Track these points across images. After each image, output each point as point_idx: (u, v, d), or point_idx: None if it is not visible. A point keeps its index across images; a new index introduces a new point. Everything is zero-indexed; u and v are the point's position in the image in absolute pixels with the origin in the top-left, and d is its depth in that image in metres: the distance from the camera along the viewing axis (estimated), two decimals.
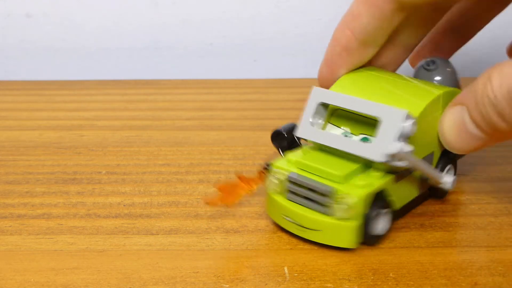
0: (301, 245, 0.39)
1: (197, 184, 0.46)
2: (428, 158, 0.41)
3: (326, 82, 0.43)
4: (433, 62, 0.44)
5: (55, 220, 0.41)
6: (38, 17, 0.66)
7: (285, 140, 0.43)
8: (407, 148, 0.37)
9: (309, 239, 0.39)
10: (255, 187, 0.41)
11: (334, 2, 0.67)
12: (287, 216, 0.39)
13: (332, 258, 0.38)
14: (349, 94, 0.40)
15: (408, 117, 0.38)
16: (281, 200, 0.40)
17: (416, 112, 0.39)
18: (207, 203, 0.39)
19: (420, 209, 0.43)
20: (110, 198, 0.44)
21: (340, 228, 0.38)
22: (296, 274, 0.37)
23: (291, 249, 0.39)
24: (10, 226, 0.41)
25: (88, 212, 0.42)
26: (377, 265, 0.37)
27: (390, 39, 0.43)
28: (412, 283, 0.36)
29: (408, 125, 0.37)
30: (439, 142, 0.41)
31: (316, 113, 0.41)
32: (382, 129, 0.38)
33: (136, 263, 0.37)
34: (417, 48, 0.46)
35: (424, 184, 0.42)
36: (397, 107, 0.38)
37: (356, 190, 0.37)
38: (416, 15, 0.42)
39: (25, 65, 0.67)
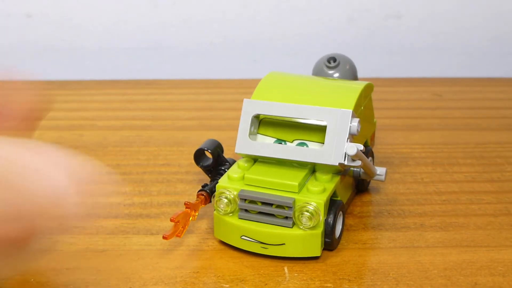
0: None
1: (197, 184, 0.45)
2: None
3: None
4: (334, 59, 0.44)
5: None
6: (38, 17, 0.66)
7: (209, 158, 0.41)
8: (360, 147, 0.36)
9: (273, 255, 0.37)
10: (197, 212, 0.39)
11: (334, 2, 0.67)
12: (245, 236, 0.37)
13: (332, 258, 0.38)
14: (279, 101, 0.39)
15: (354, 116, 0.37)
16: (234, 220, 0.37)
17: (349, 108, 0.38)
18: (164, 238, 0.37)
19: (420, 209, 0.43)
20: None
21: (306, 238, 0.36)
22: (296, 274, 0.36)
23: None
24: None
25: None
26: (377, 265, 0.37)
27: None
28: (412, 283, 0.36)
29: (354, 124, 0.37)
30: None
31: (252, 126, 0.39)
32: (330, 132, 0.37)
33: (136, 263, 0.37)
34: None
35: (354, 181, 0.43)
36: (333, 107, 0.37)
37: (315, 196, 0.36)
38: None
39: (25, 65, 0.67)
